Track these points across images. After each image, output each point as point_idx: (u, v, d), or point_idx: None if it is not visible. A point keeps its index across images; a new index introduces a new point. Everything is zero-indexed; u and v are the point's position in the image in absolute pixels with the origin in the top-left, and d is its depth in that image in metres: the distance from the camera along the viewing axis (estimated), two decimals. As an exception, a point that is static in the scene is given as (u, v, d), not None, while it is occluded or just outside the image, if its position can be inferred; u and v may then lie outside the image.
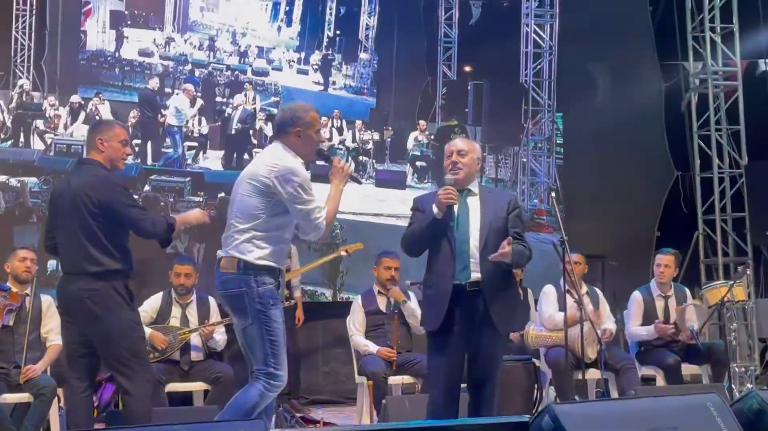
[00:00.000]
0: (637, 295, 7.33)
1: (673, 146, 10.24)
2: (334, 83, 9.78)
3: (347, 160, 9.42)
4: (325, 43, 9.84)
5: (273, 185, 4.28)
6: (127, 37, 8.84)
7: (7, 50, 8.26)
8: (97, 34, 8.69)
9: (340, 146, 9.52)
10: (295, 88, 9.53)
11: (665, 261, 7.25)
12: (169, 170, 8.57)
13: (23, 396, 5.87)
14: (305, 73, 9.71)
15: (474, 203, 4.68)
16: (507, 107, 10.39)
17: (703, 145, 9.79)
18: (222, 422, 3.18)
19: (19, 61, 8.29)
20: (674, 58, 10.23)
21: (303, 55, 9.69)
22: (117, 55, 8.79)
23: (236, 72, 9.28)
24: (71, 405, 4.80)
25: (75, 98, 8.42)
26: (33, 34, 8.34)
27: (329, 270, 8.85)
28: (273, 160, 4.36)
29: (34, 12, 8.36)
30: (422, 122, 9.91)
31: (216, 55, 9.22)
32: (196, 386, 6.50)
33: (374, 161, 9.70)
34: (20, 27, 8.33)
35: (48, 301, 6.31)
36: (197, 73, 9.04)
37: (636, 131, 10.20)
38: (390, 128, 9.82)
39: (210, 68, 9.16)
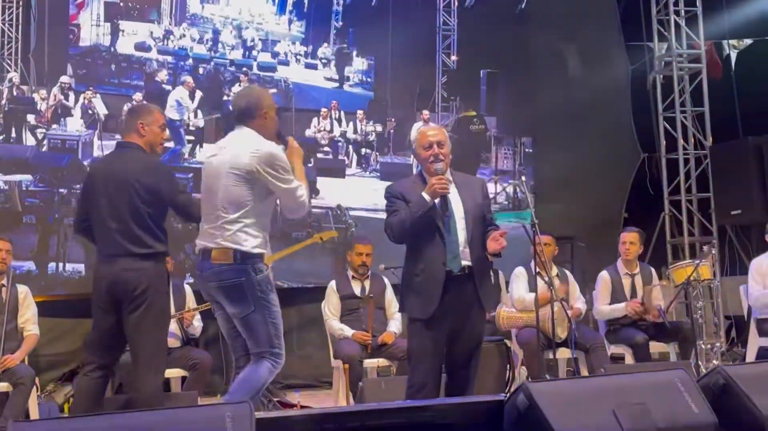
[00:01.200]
0: (604, 275, 7.46)
1: (640, 128, 10.37)
2: (347, 78, 9.56)
3: (349, 152, 9.41)
4: (333, 35, 9.57)
5: (257, 171, 4.30)
6: (122, 31, 8.58)
7: None
8: (91, 28, 8.45)
9: (340, 138, 9.36)
10: (307, 85, 9.30)
11: (629, 239, 7.39)
12: (172, 166, 8.27)
13: (1, 386, 5.89)
14: (314, 67, 9.47)
15: (453, 191, 4.73)
16: (521, 96, 10.32)
17: (668, 126, 9.93)
18: (209, 405, 3.24)
19: (6, 54, 8.10)
20: (640, 40, 10.35)
21: (310, 48, 9.46)
22: (112, 49, 8.52)
23: (243, 68, 9.00)
24: (81, 386, 4.81)
25: (65, 79, 8.19)
26: (20, 26, 8.13)
27: (339, 267, 8.88)
28: (252, 146, 4.37)
29: (20, 3, 8.15)
30: (425, 112, 9.79)
31: (218, 49, 8.98)
32: (174, 373, 6.55)
33: (377, 153, 9.57)
34: (7, 19, 8.13)
35: (24, 291, 6.33)
36: (201, 70, 8.81)
37: (603, 113, 10.31)
38: (393, 119, 9.67)
39: (213, 63, 8.92)
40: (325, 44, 9.55)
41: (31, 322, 6.29)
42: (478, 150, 10.15)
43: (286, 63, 9.33)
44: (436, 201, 4.62)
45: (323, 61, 9.49)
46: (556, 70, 10.50)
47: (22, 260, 7.83)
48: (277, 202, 4.61)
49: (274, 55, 9.30)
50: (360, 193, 9.29)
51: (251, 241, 4.33)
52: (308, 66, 9.46)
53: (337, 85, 9.55)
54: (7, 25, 8.13)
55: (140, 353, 4.69)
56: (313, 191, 9.08)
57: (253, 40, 9.17)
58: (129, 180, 4.67)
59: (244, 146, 4.39)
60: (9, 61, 8.09)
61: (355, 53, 9.67)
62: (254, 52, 9.19)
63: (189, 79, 8.73)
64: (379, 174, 9.47)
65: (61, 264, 7.98)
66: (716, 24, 10.31)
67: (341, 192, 9.29)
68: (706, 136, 9.81)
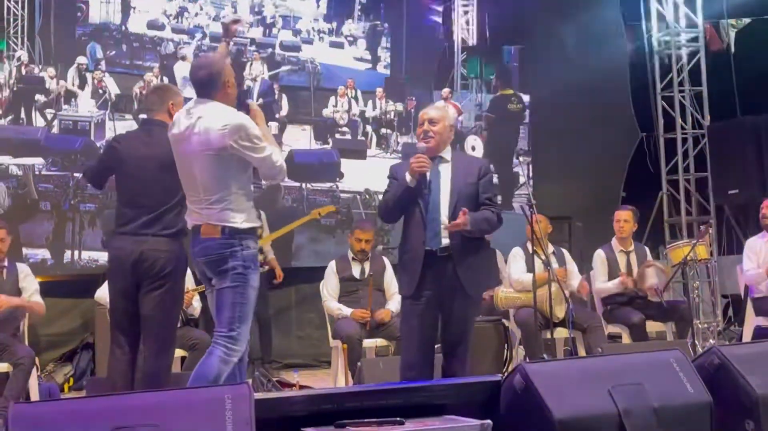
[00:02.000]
0: (600, 253, 7.48)
1: (638, 107, 10.39)
2: (380, 59, 9.18)
3: (367, 132, 9.25)
4: (357, 11, 9.14)
5: (230, 146, 4.18)
6: (134, 8, 8.23)
7: None
8: (100, 5, 8.11)
9: (357, 118, 9.11)
10: (337, 66, 8.92)
11: (624, 217, 7.42)
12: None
13: (1, 367, 5.90)
14: (340, 46, 9.11)
15: (446, 170, 4.75)
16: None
17: (666, 106, 9.93)
18: (208, 386, 3.26)
19: (12, 32, 7.81)
20: (638, 20, 10.33)
21: (334, 25, 9.10)
22: (123, 28, 8.19)
23: (269, 49, 8.61)
24: (114, 369, 4.79)
25: (82, 59, 7.97)
26: (26, 3, 7.86)
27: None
28: (220, 121, 4.20)
29: None
30: (446, 90, 9.58)
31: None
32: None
33: (398, 133, 9.32)
34: (12, -5, 7.79)
35: (25, 271, 6.32)
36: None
37: (602, 93, 10.30)
38: (413, 98, 9.40)
39: (231, 42, 8.57)
40: (350, 21, 9.22)
41: (36, 294, 6.25)
42: (518, 130, 10.03)
43: (309, 41, 9.00)
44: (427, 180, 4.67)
45: (349, 38, 9.17)
46: (554, 49, 10.47)
47: (36, 248, 7.75)
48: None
49: (296, 32, 8.95)
50: (384, 176, 9.12)
51: (238, 217, 4.26)
52: (333, 44, 9.12)
53: (369, 65, 9.23)
54: (12, 2, 7.88)
55: (155, 332, 4.69)
56: (338, 174, 8.99)
57: (273, 17, 8.82)
58: (166, 159, 4.59)
59: (212, 124, 4.22)
60: (15, 39, 7.85)
61: (384, 30, 9.32)
62: (275, 30, 8.84)
63: (187, 52, 8.47)
64: (401, 155, 9.21)
65: (76, 253, 7.86)
66: (715, 3, 10.28)
67: (364, 174, 9.07)
68: (704, 115, 9.81)
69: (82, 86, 8.03)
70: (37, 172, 7.79)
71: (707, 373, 3.67)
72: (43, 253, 7.76)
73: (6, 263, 6.22)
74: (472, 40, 9.92)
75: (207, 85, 4.32)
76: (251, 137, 4.21)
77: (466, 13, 9.92)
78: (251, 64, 8.68)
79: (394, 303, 6.97)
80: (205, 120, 4.23)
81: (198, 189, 4.30)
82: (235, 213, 4.27)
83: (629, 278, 7.20)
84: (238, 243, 4.26)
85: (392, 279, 7.06)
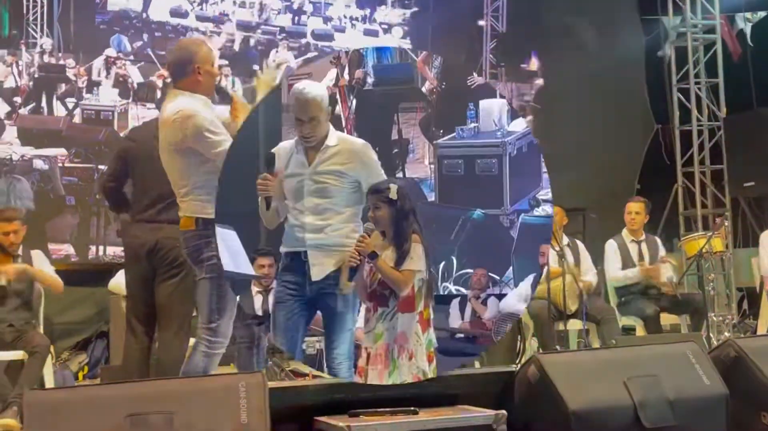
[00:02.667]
0: (611, 242, 7.44)
1: (653, 99, 10.35)
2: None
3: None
4: None
5: (181, 139, 3.98)
6: None
7: (18, 7, 7.60)
8: None
9: None
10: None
11: (635, 209, 7.39)
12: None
13: (17, 354, 5.90)
14: (374, 34, 8.67)
15: None
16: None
17: (682, 98, 9.88)
18: (223, 375, 3.26)
19: (31, 19, 7.61)
20: (654, 13, 10.28)
21: (367, 12, 8.72)
22: (144, 16, 7.90)
23: (301, 39, 8.27)
24: (129, 354, 4.81)
25: (110, 51, 7.80)
26: None
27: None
28: (171, 114, 4.00)
29: None
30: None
31: (263, 14, 8.18)
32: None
33: None
34: (31, -19, 7.61)
35: (39, 256, 6.33)
36: (251, 41, 8.02)
37: (617, 85, 10.26)
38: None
39: (260, 31, 8.16)
40: (383, 7, 8.83)
41: (51, 273, 6.24)
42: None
43: (341, 30, 8.60)
44: None
45: (383, 26, 8.79)
46: (569, 41, 10.42)
47: (60, 243, 7.64)
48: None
49: (327, 20, 8.58)
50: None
51: (209, 207, 4.08)
52: (367, 33, 8.71)
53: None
54: (31, -13, 7.70)
55: (171, 320, 4.69)
56: None
57: (302, 3, 8.49)
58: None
59: (167, 116, 4.03)
60: (35, 27, 7.68)
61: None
62: (304, 18, 8.49)
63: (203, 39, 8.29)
64: None
65: (101, 248, 7.76)
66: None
67: (392, 166, 8.81)
68: (720, 107, 9.76)
69: (107, 77, 7.93)
70: (60, 164, 7.65)
71: (723, 366, 3.66)
72: (67, 248, 7.68)
73: (20, 253, 6.24)
74: (502, 28, 9.79)
75: (176, 71, 4.14)
76: (201, 128, 3.96)
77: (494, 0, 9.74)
78: (277, 51, 8.44)
79: None
80: (164, 111, 4.09)
81: (170, 181, 4.20)
82: (206, 204, 4.10)
83: (650, 268, 7.15)
84: (213, 233, 4.11)
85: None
